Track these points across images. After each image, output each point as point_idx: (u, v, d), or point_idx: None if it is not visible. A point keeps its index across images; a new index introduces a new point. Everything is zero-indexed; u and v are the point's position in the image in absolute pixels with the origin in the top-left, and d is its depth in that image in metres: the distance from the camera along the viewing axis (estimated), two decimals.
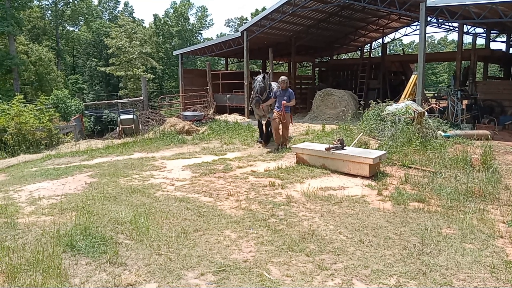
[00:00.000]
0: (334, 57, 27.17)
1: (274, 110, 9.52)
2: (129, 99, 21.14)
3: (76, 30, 49.42)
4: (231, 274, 3.52)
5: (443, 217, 4.86)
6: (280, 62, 30.55)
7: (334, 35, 23.16)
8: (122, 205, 5.47)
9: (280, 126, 9.52)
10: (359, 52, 27.29)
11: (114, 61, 35.31)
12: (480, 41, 19.20)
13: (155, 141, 11.58)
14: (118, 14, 48.56)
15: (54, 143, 12.55)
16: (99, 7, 53.39)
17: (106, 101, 22.58)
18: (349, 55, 29.32)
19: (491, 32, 18.63)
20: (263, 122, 10.63)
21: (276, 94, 9.48)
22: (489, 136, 10.37)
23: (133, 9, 54.64)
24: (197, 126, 14.23)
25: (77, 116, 15.77)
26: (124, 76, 35.53)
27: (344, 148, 7.34)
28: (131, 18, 45.42)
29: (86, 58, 43.35)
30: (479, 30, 18.17)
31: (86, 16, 47.68)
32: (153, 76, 39.91)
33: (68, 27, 48.70)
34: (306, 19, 19.62)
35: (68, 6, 45.35)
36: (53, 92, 17.67)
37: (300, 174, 7.01)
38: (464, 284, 3.34)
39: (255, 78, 9.43)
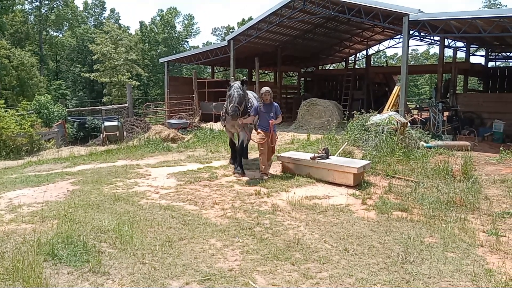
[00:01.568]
0: (320, 68, 27.56)
1: (258, 131, 7.67)
2: (114, 105, 20.92)
3: (60, 35, 48.80)
4: (216, 283, 3.50)
5: (426, 226, 4.94)
6: (266, 72, 30.77)
7: (319, 46, 23.53)
8: (106, 213, 5.38)
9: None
10: (344, 63, 27.77)
11: (98, 67, 34.99)
12: (461, 54, 19.79)
13: (139, 148, 11.46)
14: (104, 20, 48.21)
15: (35, 149, 12.29)
16: (84, 13, 52.92)
17: (89, 108, 22.26)
18: (334, 66, 29.79)
19: (471, 46, 19.23)
20: (237, 140, 8.52)
21: (258, 109, 7.60)
22: (469, 147, 10.66)
23: (119, 16, 54.31)
24: (182, 134, 14.16)
25: (59, 122, 15.49)
26: (109, 82, 35.19)
27: (329, 157, 7.42)
28: (117, 25, 45.13)
29: (69, 63, 42.82)
30: (459, 44, 18.73)
31: (71, 21, 47.20)
32: (138, 83, 39.63)
33: (52, 32, 48.04)
34: (292, 30, 19.88)
35: (53, 11, 44.82)
36: (35, 98, 17.33)
37: (285, 182, 7.04)
38: None
39: (232, 84, 7.50)
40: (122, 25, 49.81)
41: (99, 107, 19.80)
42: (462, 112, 15.00)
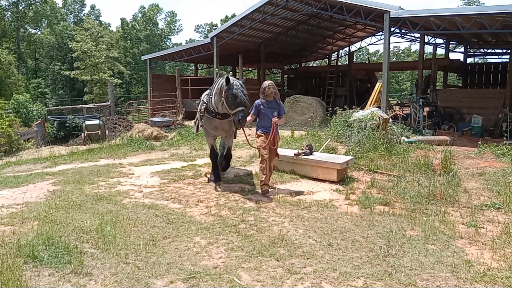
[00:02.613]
0: (303, 65, 27.69)
1: (258, 133, 6.30)
2: (95, 104, 20.58)
3: (39, 32, 47.58)
4: (201, 281, 3.49)
5: (407, 219, 5.03)
6: (250, 69, 30.74)
7: (302, 43, 23.62)
8: (88, 213, 5.30)
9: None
10: (327, 60, 27.95)
11: (79, 65, 34.30)
12: (441, 51, 20.18)
13: (122, 147, 11.31)
14: (84, 17, 47.26)
15: (14, 149, 12.01)
16: (63, 10, 51.74)
17: (70, 106, 21.84)
18: (317, 62, 29.97)
19: (450, 43, 19.62)
20: (220, 148, 7.36)
21: (259, 108, 6.24)
22: (449, 142, 10.89)
23: (99, 13, 53.30)
24: (165, 132, 14.04)
25: (39, 121, 15.15)
26: (90, 80, 34.55)
27: (313, 153, 7.47)
28: (98, 22, 44.30)
29: (49, 61, 41.85)
30: (439, 41, 19.10)
31: (50, 18, 46.06)
32: (120, 81, 39.04)
33: (30, 30, 46.81)
34: (275, 27, 19.90)
35: (30, 7, 43.66)
36: (13, 97, 16.91)
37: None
38: (427, 284, 3.47)
39: (232, 82, 5.94)
40: (102, 22, 48.93)
41: (80, 105, 19.45)
42: (442, 108, 15.31)
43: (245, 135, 6.36)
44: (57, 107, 22.50)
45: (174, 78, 19.97)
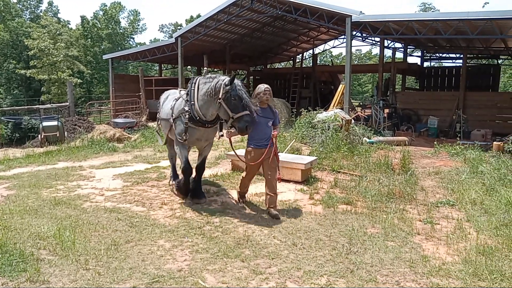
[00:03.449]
0: (268, 66, 27.88)
1: (249, 148, 5.33)
2: (53, 104, 19.72)
3: None
4: (165, 285, 3.44)
5: (368, 217, 5.20)
6: (215, 70, 30.59)
7: (267, 45, 23.81)
8: (45, 218, 5.07)
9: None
10: (291, 62, 28.32)
11: (35, 63, 32.68)
12: (399, 55, 20.98)
13: (82, 149, 10.91)
14: (41, 14, 45.16)
15: None
16: (18, 5, 49.19)
17: (26, 107, 20.77)
18: (282, 64, 30.27)
19: (408, 47, 20.45)
20: (193, 160, 6.58)
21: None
22: (407, 142, 11.36)
23: (58, 9, 51.16)
24: (129, 134, 13.68)
25: None
26: (48, 80, 33.03)
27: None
28: (56, 19, 42.49)
29: (3, 59, 39.60)
30: (398, 45, 19.85)
31: (3, 14, 43.65)
32: (81, 81, 37.59)
33: None
34: (240, 28, 19.94)
35: None
36: None
37: (235, 180, 7.05)
38: (387, 279, 3.60)
39: (235, 83, 5.02)
40: (61, 19, 46.98)
41: (37, 106, 18.54)
42: (400, 109, 15.93)
43: (230, 142, 5.49)
44: (12, 108, 21.31)
45: (138, 78, 19.54)
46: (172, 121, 5.65)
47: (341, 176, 7.47)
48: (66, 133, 13.20)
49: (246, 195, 5.89)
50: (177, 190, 6.07)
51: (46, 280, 3.47)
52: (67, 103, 17.65)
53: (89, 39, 45.72)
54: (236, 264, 3.86)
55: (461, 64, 17.93)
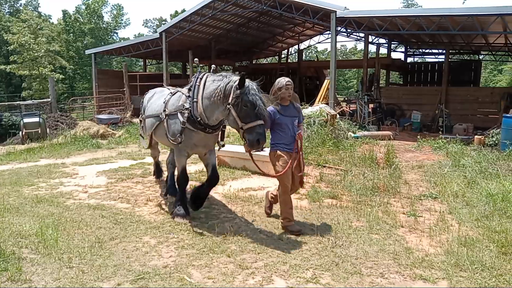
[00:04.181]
0: (254, 62, 27.84)
1: (278, 153, 4.54)
2: (35, 101, 19.28)
3: None
4: (150, 281, 3.41)
5: (353, 211, 5.25)
6: (201, 65, 30.36)
7: (253, 40, 23.75)
8: (27, 216, 4.97)
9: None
10: (277, 57, 28.33)
11: (16, 58, 31.87)
12: (383, 50, 21.23)
13: (65, 146, 10.72)
14: (21, 8, 44.01)
15: None
16: None
17: (6, 103, 20.28)
18: (268, 60, 30.25)
19: (392, 43, 20.70)
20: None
21: (275, 118, 4.47)
22: (391, 136, 11.50)
23: (38, 3, 49.88)
24: (113, 130, 13.49)
25: None
26: (29, 75, 32.26)
27: (264, 149, 7.52)
28: (36, 13, 41.50)
29: None
30: (382, 41, 20.06)
31: None
32: (63, 77, 36.82)
33: None
34: (225, 23, 19.82)
35: None
36: None
37: (221, 176, 7.00)
38: (372, 271, 3.65)
39: (247, 85, 4.15)
40: (42, 14, 45.91)
41: (18, 102, 18.11)
42: (385, 104, 16.11)
43: (251, 156, 4.64)
44: None
45: (122, 74, 19.26)
46: (164, 117, 4.83)
47: (327, 170, 7.52)
48: (48, 129, 12.94)
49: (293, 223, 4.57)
50: (176, 216, 4.89)
51: (28, 279, 3.40)
52: (49, 99, 17.31)
53: (71, 34, 44.81)
54: (222, 259, 3.86)
55: (443, 60, 18.21)
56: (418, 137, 11.01)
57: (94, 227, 4.62)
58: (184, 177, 5.01)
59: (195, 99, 4.54)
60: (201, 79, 4.60)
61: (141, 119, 5.99)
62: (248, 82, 4.16)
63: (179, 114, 4.64)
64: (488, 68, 42.62)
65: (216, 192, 6.09)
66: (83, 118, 17.02)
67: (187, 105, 4.58)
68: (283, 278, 3.52)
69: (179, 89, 5.09)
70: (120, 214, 5.07)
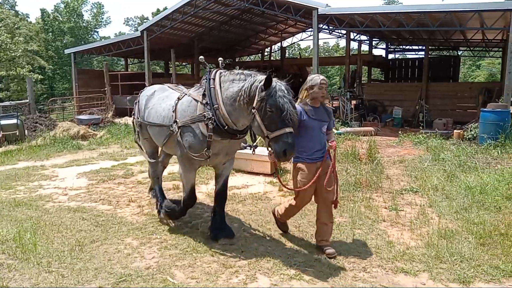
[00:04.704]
0: (237, 59, 27.75)
1: (299, 164, 3.91)
2: (12, 102, 18.81)
3: None
4: (132, 284, 3.37)
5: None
6: (184, 64, 30.15)
7: (236, 38, 23.66)
8: (4, 221, 4.84)
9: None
10: (260, 55, 28.31)
11: None
12: (365, 47, 21.43)
13: (44, 148, 10.49)
14: None
15: None
16: None
17: None
18: (251, 57, 30.21)
19: (373, 39, 20.90)
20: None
21: (301, 120, 3.84)
22: (373, 132, 11.64)
23: (15, 2, 48.60)
24: (94, 130, 13.26)
25: None
26: (6, 76, 31.44)
27: (247, 147, 7.53)
28: (13, 12, 40.42)
29: None
30: (363, 37, 20.23)
31: None
32: (42, 77, 36.02)
33: None
34: (208, 21, 19.69)
35: None
36: None
37: (204, 175, 7.00)
38: (354, 266, 3.68)
39: (274, 86, 3.55)
40: (19, 12, 44.73)
41: None
42: (367, 100, 16.29)
43: (275, 166, 4.08)
44: None
45: (103, 74, 18.96)
46: (176, 129, 4.03)
47: None
48: (26, 131, 12.64)
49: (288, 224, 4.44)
50: (166, 215, 4.56)
51: (5, 285, 3.32)
52: (27, 100, 16.92)
53: (50, 33, 43.85)
54: (205, 258, 3.83)
55: (423, 56, 18.49)
56: (400, 132, 11.18)
57: (74, 230, 4.54)
58: (192, 197, 4.28)
59: (215, 105, 3.79)
60: (214, 80, 3.91)
61: (137, 122, 5.01)
62: (275, 82, 3.56)
63: (200, 125, 3.87)
64: (466, 64, 43.56)
65: (200, 192, 6.06)
66: (63, 119, 16.69)
67: (208, 114, 3.80)
68: (267, 275, 3.52)
69: (185, 91, 4.33)
70: (101, 216, 4.99)
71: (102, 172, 7.44)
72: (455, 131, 11.02)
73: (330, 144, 3.90)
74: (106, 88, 18.38)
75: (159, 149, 5.16)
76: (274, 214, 4.42)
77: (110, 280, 3.41)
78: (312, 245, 4.10)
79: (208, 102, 3.83)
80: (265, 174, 6.94)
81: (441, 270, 3.56)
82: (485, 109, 9.73)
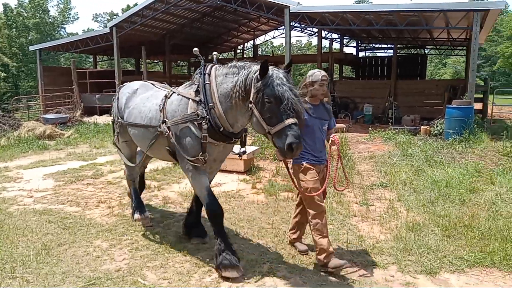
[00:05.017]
0: (209, 57, 27.54)
1: (305, 165, 3.71)
2: None
3: None
4: (101, 287, 3.28)
5: None
6: (155, 61, 29.62)
7: (208, 35, 23.45)
8: None
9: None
10: (233, 53, 28.21)
11: None
12: (336, 45, 21.72)
13: (8, 148, 10.05)
14: None
15: None
16: None
17: None
18: (224, 55, 30.04)
19: (344, 38, 21.25)
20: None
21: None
22: (345, 129, 11.82)
23: None
24: (61, 130, 12.82)
25: None
26: None
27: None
28: None
29: None
30: (335, 36, 20.53)
31: None
32: (5, 75, 34.55)
33: None
34: (179, 18, 19.42)
35: None
36: None
37: (177, 174, 6.91)
38: (325, 261, 3.72)
39: (271, 74, 3.10)
40: None
41: None
42: (338, 98, 16.54)
43: (286, 166, 3.72)
44: None
45: (70, 71, 18.37)
46: (165, 130, 3.65)
47: (283, 164, 7.56)
48: None
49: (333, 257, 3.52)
50: (224, 269, 3.43)
51: None
52: None
53: (14, 29, 42.06)
54: (178, 258, 3.79)
55: (392, 54, 18.96)
56: (370, 129, 11.43)
57: (40, 233, 4.37)
58: (214, 201, 3.59)
59: (210, 103, 3.43)
60: (209, 75, 3.55)
61: (116, 122, 4.59)
62: (272, 70, 3.14)
63: (191, 126, 3.51)
64: (433, 62, 45.07)
65: (172, 191, 5.99)
66: (28, 119, 16.04)
67: (202, 113, 3.43)
68: (240, 273, 3.50)
69: (174, 89, 3.96)
70: (69, 218, 4.83)
71: (69, 173, 7.21)
72: (422, 127, 11.37)
73: (332, 139, 3.71)
74: (74, 86, 17.81)
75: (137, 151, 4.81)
76: (321, 259, 3.51)
77: (79, 284, 3.31)
78: (285, 242, 4.13)
79: (202, 100, 3.47)
80: (238, 172, 6.93)
81: (409, 262, 3.67)
82: (451, 106, 10.08)
